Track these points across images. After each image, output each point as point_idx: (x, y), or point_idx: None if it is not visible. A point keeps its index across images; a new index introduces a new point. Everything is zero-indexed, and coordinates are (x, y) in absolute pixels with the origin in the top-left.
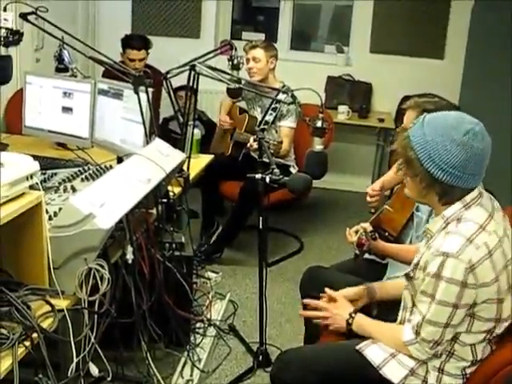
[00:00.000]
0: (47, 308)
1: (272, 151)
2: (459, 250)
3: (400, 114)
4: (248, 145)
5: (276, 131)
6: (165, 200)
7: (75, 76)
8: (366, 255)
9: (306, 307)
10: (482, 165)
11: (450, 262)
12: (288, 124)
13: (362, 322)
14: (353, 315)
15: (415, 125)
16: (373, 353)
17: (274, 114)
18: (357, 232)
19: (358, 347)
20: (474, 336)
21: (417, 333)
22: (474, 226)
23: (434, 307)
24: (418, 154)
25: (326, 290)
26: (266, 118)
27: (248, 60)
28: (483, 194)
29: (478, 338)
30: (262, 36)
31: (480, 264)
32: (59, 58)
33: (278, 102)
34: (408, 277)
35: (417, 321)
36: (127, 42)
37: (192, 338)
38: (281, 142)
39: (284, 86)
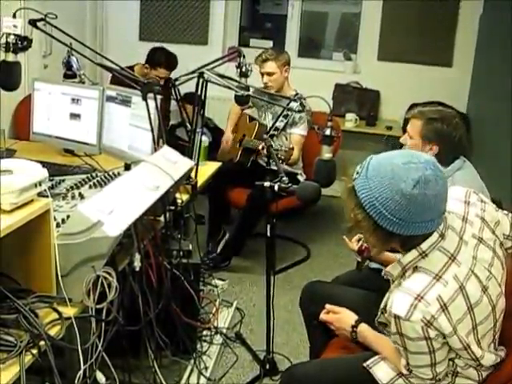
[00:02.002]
0: (55, 316)
1: (283, 157)
2: (408, 313)
3: (407, 122)
4: (260, 147)
5: (286, 138)
6: (172, 207)
7: (83, 82)
8: (374, 265)
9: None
10: (440, 207)
11: (404, 325)
12: (299, 132)
13: (366, 335)
14: (355, 329)
15: (359, 178)
16: (380, 371)
17: (285, 121)
18: (359, 240)
19: (365, 364)
20: (466, 361)
21: (409, 371)
22: (427, 280)
23: (411, 357)
24: (369, 213)
25: (327, 306)
26: (277, 124)
27: (262, 74)
28: (446, 233)
29: (472, 364)
30: (269, 43)
31: (435, 320)
32: (67, 65)
33: (289, 110)
34: (380, 323)
35: (404, 363)
36: (161, 61)
37: (199, 346)
38: (292, 149)
39: (297, 93)
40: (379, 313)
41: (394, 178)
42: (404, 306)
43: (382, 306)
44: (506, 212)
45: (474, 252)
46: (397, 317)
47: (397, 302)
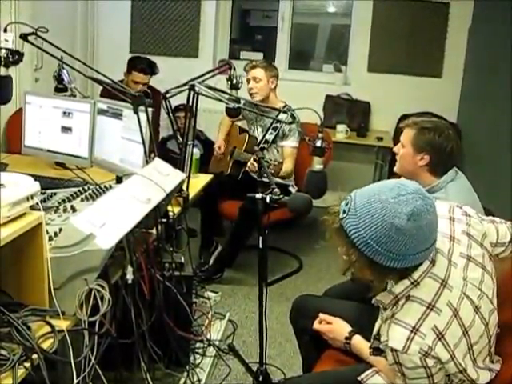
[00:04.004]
0: (47, 329)
1: (272, 171)
2: (405, 346)
3: (398, 132)
4: (247, 165)
5: (277, 150)
6: (164, 220)
7: (74, 96)
8: None
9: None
10: (433, 235)
11: (402, 357)
12: (291, 144)
13: (360, 347)
14: (349, 341)
15: (347, 217)
16: None
17: (275, 133)
18: None
19: (360, 378)
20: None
21: None
22: (420, 310)
23: (409, 382)
24: (364, 251)
25: (320, 315)
26: (267, 137)
27: (248, 80)
28: (436, 258)
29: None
30: (260, 55)
31: (432, 350)
32: (58, 78)
33: (278, 121)
34: (375, 349)
35: None
36: (135, 65)
37: (192, 358)
38: (281, 163)
39: (286, 105)
40: (372, 339)
41: (387, 215)
42: (400, 340)
43: (374, 332)
44: (491, 218)
45: (464, 273)
46: (394, 350)
47: (392, 335)
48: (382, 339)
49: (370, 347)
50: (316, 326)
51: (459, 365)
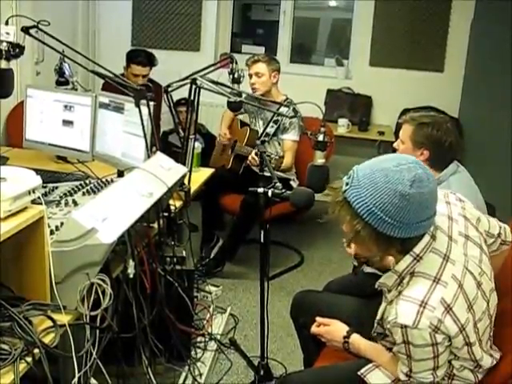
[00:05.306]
0: (49, 323)
1: (273, 165)
2: (415, 321)
3: (399, 127)
4: (248, 158)
5: (279, 143)
6: (166, 214)
7: (76, 89)
8: (369, 269)
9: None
10: (434, 205)
11: (411, 333)
12: (291, 137)
13: (358, 344)
14: (347, 340)
15: (350, 188)
16: (375, 379)
17: (276, 127)
18: None
19: (360, 373)
20: (462, 362)
21: (409, 377)
22: (427, 284)
23: (414, 364)
24: (368, 221)
25: (317, 318)
26: (268, 130)
27: (250, 75)
28: (436, 234)
29: (468, 366)
30: (261, 49)
31: (442, 323)
32: (60, 72)
33: (280, 115)
34: (378, 334)
35: (405, 370)
36: (132, 57)
37: (193, 353)
38: (282, 157)
39: (287, 99)
40: (375, 324)
41: (390, 182)
42: (410, 315)
43: (378, 317)
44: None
45: (464, 249)
46: (404, 326)
47: (401, 311)
48: (389, 319)
49: (374, 332)
50: (314, 329)
51: (467, 337)
